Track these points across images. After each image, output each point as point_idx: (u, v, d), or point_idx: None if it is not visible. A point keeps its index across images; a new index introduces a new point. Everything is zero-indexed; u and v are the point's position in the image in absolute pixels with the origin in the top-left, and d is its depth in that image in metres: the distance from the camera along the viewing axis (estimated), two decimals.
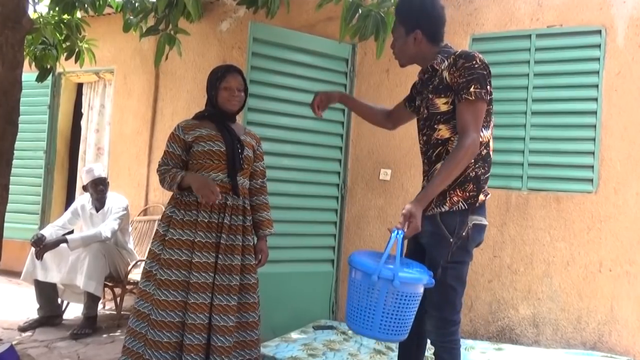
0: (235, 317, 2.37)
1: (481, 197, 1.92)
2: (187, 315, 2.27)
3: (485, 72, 1.87)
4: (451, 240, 1.86)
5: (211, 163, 2.41)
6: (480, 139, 1.87)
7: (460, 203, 1.87)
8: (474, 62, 1.86)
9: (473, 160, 1.88)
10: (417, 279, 1.72)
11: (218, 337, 2.29)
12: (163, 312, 2.27)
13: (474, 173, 1.89)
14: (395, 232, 1.74)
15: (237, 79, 2.51)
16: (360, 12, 2.89)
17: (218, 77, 2.49)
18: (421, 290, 1.74)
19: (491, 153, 1.96)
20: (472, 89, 1.83)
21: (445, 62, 1.95)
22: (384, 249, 1.74)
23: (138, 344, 2.31)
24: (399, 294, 1.67)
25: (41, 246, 3.55)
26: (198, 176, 2.38)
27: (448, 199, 1.88)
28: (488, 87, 1.88)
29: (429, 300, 1.90)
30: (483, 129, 1.90)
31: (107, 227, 3.73)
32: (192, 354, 2.24)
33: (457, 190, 1.88)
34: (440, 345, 1.96)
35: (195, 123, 2.50)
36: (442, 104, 1.94)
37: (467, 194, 1.88)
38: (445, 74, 1.92)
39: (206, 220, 2.35)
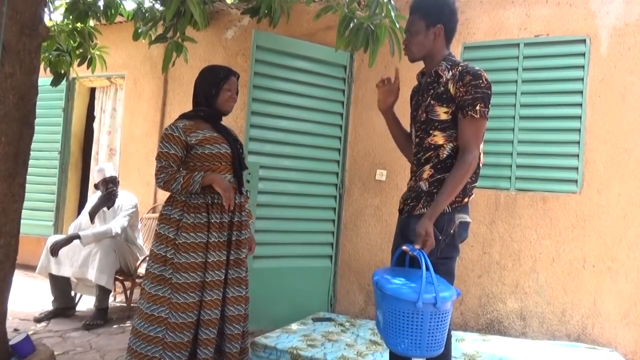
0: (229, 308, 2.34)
1: (465, 199, 1.92)
2: (202, 312, 2.24)
3: (489, 92, 1.86)
4: (440, 238, 1.86)
5: (219, 165, 2.34)
6: None
7: (446, 207, 1.86)
8: (481, 81, 1.84)
9: None
10: (451, 296, 1.70)
11: (234, 326, 2.30)
12: (183, 314, 2.20)
13: None
14: (418, 253, 1.74)
15: (236, 82, 2.49)
16: (352, 25, 2.87)
17: (222, 78, 2.42)
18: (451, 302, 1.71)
19: (481, 164, 1.95)
20: (477, 107, 1.82)
21: (450, 72, 1.90)
22: (413, 269, 1.83)
23: (154, 348, 2.20)
24: (441, 312, 1.67)
25: (54, 242, 3.57)
26: (220, 177, 2.28)
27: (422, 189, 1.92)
28: (489, 106, 1.87)
29: None
30: None
31: (117, 223, 3.73)
32: (209, 348, 2.23)
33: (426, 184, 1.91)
34: None
35: (192, 124, 2.34)
36: (442, 112, 1.91)
37: (454, 199, 1.87)
38: (450, 85, 1.88)
39: (218, 221, 2.31)
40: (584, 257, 3.42)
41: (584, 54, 3.48)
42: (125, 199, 3.92)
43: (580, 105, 3.47)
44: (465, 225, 1.95)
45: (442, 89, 1.91)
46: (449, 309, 1.70)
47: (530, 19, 3.63)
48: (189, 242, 2.25)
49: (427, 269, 1.69)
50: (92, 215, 3.83)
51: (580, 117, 3.47)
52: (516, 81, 3.63)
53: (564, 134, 3.52)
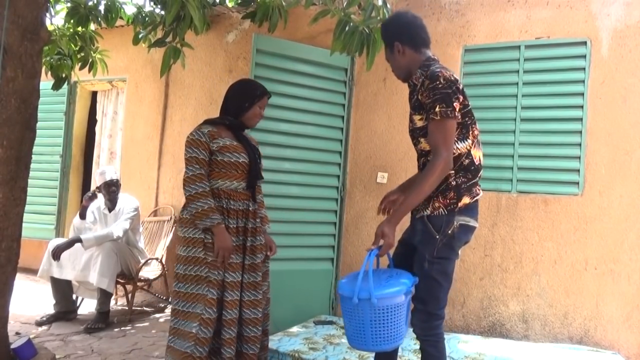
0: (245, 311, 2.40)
1: (465, 200, 1.93)
2: (225, 311, 2.31)
3: (449, 91, 1.86)
4: (437, 237, 1.91)
5: (235, 173, 2.39)
6: (458, 151, 1.92)
7: (441, 209, 1.91)
8: (437, 82, 1.86)
9: (454, 171, 1.92)
10: (393, 292, 1.78)
11: (250, 329, 2.37)
12: (210, 310, 2.28)
13: (454, 182, 1.92)
14: (369, 252, 1.83)
15: (266, 101, 2.55)
16: (347, 28, 2.88)
17: (257, 95, 2.47)
18: (401, 299, 1.80)
19: (475, 161, 1.97)
20: (437, 109, 1.85)
21: (421, 79, 1.96)
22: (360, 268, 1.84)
23: (187, 343, 2.28)
24: (380, 308, 1.75)
25: (55, 246, 3.59)
26: (227, 236, 2.31)
27: (430, 204, 1.93)
28: (455, 103, 1.87)
29: (415, 295, 1.94)
30: (459, 142, 1.93)
31: (118, 227, 3.74)
32: (232, 347, 2.30)
33: (439, 197, 1.92)
34: (424, 338, 1.98)
35: (216, 130, 2.39)
36: (418, 120, 1.98)
37: (447, 200, 1.91)
38: (419, 92, 1.95)
39: (234, 226, 2.38)
40: (585, 259, 3.41)
41: (584, 56, 3.48)
42: (126, 202, 3.92)
43: (582, 107, 3.47)
44: (467, 228, 1.96)
45: (414, 97, 2.00)
46: (395, 305, 1.78)
47: (531, 21, 3.64)
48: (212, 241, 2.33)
49: (389, 268, 1.87)
50: (82, 214, 3.87)
51: (581, 119, 3.47)
52: (517, 83, 3.63)
53: (565, 136, 3.51)
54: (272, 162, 3.74)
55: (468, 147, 1.95)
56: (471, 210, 1.97)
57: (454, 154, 1.91)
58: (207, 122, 2.46)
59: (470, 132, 1.97)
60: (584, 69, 3.48)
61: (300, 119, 3.83)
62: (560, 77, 3.54)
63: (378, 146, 4.03)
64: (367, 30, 2.84)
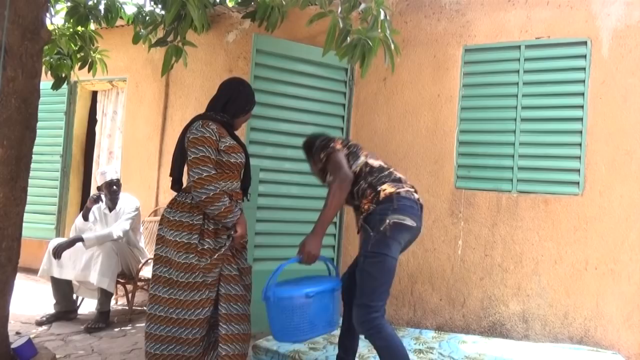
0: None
1: (386, 189, 2.22)
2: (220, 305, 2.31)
3: (324, 143, 2.41)
4: (371, 234, 2.16)
5: (235, 174, 2.36)
6: (358, 168, 2.34)
7: (369, 206, 2.24)
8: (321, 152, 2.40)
9: (362, 179, 2.30)
10: (290, 293, 2.14)
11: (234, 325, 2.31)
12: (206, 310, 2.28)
13: (366, 184, 2.29)
14: (288, 260, 2.18)
15: None
16: (348, 40, 2.88)
17: (254, 102, 2.53)
18: (301, 301, 2.13)
19: (375, 165, 2.36)
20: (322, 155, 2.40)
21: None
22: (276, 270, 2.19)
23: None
24: (279, 306, 2.12)
25: (56, 245, 3.60)
26: (245, 223, 2.34)
27: (361, 208, 2.29)
28: (332, 143, 2.38)
29: (356, 290, 2.19)
30: (353, 164, 2.35)
31: (119, 227, 3.74)
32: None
33: (362, 200, 2.28)
34: (365, 334, 2.16)
35: (220, 128, 2.33)
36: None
37: (370, 197, 2.24)
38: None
39: (216, 227, 2.34)
40: (586, 259, 3.41)
41: (585, 56, 3.48)
42: (127, 202, 3.93)
43: (582, 107, 3.47)
44: (402, 226, 2.17)
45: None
46: (294, 305, 2.11)
47: (531, 21, 3.63)
48: (212, 247, 2.28)
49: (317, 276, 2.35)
50: (85, 216, 3.87)
51: (581, 119, 3.47)
52: (517, 83, 3.63)
53: (565, 135, 3.51)
54: (272, 162, 3.74)
55: (359, 165, 2.35)
56: (406, 209, 2.19)
57: (356, 171, 2.32)
58: (210, 118, 2.35)
59: (361, 153, 2.41)
60: (584, 68, 3.48)
61: (301, 118, 3.83)
62: (560, 77, 3.54)
63: (378, 146, 4.03)
64: (369, 43, 2.84)
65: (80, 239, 3.60)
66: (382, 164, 2.40)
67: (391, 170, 2.39)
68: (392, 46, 2.91)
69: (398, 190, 2.23)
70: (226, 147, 2.29)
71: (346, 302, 2.45)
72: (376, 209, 2.20)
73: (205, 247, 2.26)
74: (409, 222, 2.17)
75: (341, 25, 2.86)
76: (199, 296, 2.24)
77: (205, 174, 2.19)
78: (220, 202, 2.21)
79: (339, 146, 2.38)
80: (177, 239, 2.25)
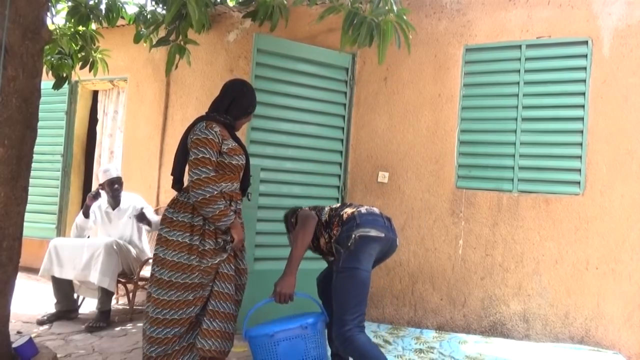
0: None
1: (348, 211, 2.35)
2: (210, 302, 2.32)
3: (293, 213, 2.57)
4: (342, 251, 2.27)
5: (237, 175, 2.38)
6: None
7: (336, 229, 2.35)
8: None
9: (333, 220, 2.41)
10: (255, 332, 2.24)
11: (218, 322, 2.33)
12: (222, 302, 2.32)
13: (334, 219, 2.40)
14: (260, 302, 2.33)
15: None
16: (355, 20, 2.86)
17: (256, 105, 2.54)
18: (266, 340, 2.22)
19: (335, 210, 2.47)
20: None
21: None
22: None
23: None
24: (250, 344, 2.25)
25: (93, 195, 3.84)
26: (240, 227, 2.37)
27: (328, 235, 2.42)
28: (299, 210, 2.52)
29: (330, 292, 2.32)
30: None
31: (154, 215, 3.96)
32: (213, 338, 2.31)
33: (332, 229, 2.39)
34: (341, 348, 2.24)
35: (222, 130, 2.34)
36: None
37: (335, 224, 2.37)
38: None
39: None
40: (587, 259, 3.41)
41: (586, 56, 3.48)
42: (131, 199, 3.97)
43: (583, 106, 3.47)
44: (368, 238, 2.26)
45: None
46: (262, 344, 2.22)
47: (532, 20, 3.63)
48: (213, 247, 2.29)
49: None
50: (86, 213, 3.89)
51: (582, 119, 3.46)
52: (518, 83, 3.63)
53: (566, 135, 3.51)
54: (273, 162, 3.74)
55: (328, 208, 2.50)
56: (368, 222, 2.30)
57: (326, 219, 2.43)
58: (212, 119, 2.36)
59: (326, 207, 2.53)
60: (585, 68, 3.47)
61: (301, 118, 3.83)
62: (561, 77, 3.54)
63: (379, 145, 4.03)
64: (375, 21, 2.81)
65: (149, 223, 3.79)
66: (345, 203, 2.61)
67: (353, 203, 2.55)
68: (404, 24, 2.88)
69: (359, 209, 2.37)
70: (228, 149, 2.31)
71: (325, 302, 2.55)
72: (342, 229, 2.32)
73: (206, 248, 2.27)
74: (373, 232, 2.28)
75: (353, 13, 2.84)
76: (193, 295, 2.25)
77: (204, 175, 2.21)
78: (216, 204, 2.22)
79: (306, 209, 2.53)
80: (180, 239, 2.27)
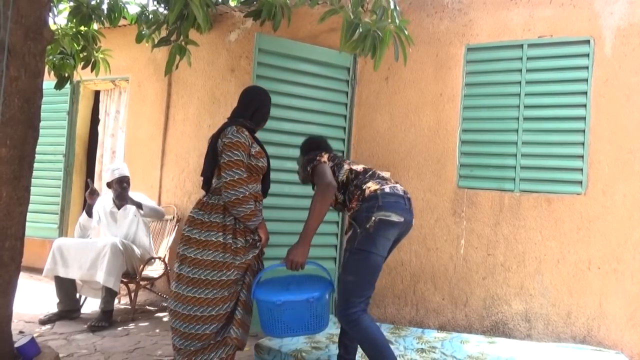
0: None
1: (371, 186, 2.31)
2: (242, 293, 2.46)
3: (311, 157, 2.52)
4: (358, 231, 2.22)
5: (260, 177, 2.52)
6: (344, 176, 2.46)
7: (355, 203, 2.31)
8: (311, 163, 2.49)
9: (350, 185, 2.42)
10: (265, 297, 2.26)
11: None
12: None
13: (352, 188, 2.40)
14: (272, 265, 2.35)
15: None
16: (360, 30, 2.89)
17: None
18: (272, 306, 2.24)
19: (359, 169, 2.48)
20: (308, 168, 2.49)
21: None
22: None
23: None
24: (258, 305, 2.28)
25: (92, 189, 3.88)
26: (265, 227, 2.50)
27: (348, 208, 2.40)
28: (318, 157, 2.48)
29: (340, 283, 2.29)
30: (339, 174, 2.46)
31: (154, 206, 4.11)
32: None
33: (350, 201, 2.37)
34: (340, 319, 2.26)
35: (249, 134, 2.47)
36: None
37: (357, 196, 2.33)
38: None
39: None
40: (589, 258, 3.40)
41: (588, 55, 3.47)
42: (138, 198, 4.00)
43: (585, 106, 3.46)
44: (387, 223, 2.22)
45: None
46: (268, 308, 2.24)
47: (534, 19, 3.62)
48: (244, 245, 2.41)
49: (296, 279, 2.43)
50: (89, 212, 3.91)
51: (584, 118, 3.46)
52: (520, 82, 3.62)
53: (568, 135, 3.50)
54: (274, 161, 3.71)
55: (347, 168, 2.48)
56: (391, 205, 2.24)
57: (343, 180, 2.44)
58: (241, 124, 2.48)
59: (345, 163, 2.53)
60: (587, 67, 3.47)
61: (303, 118, 3.83)
62: (563, 76, 3.53)
63: (380, 145, 4.02)
64: (379, 33, 2.85)
65: (139, 206, 3.89)
66: (365, 167, 2.53)
67: (374, 170, 2.49)
68: (404, 36, 2.94)
69: (382, 187, 2.31)
70: (255, 152, 2.45)
71: None
72: (362, 207, 2.26)
73: (238, 246, 2.39)
74: (394, 218, 2.23)
75: (352, 17, 2.87)
76: (228, 292, 2.37)
77: (237, 177, 2.34)
78: (248, 204, 2.35)
79: (324, 159, 2.48)
80: (214, 239, 2.37)
